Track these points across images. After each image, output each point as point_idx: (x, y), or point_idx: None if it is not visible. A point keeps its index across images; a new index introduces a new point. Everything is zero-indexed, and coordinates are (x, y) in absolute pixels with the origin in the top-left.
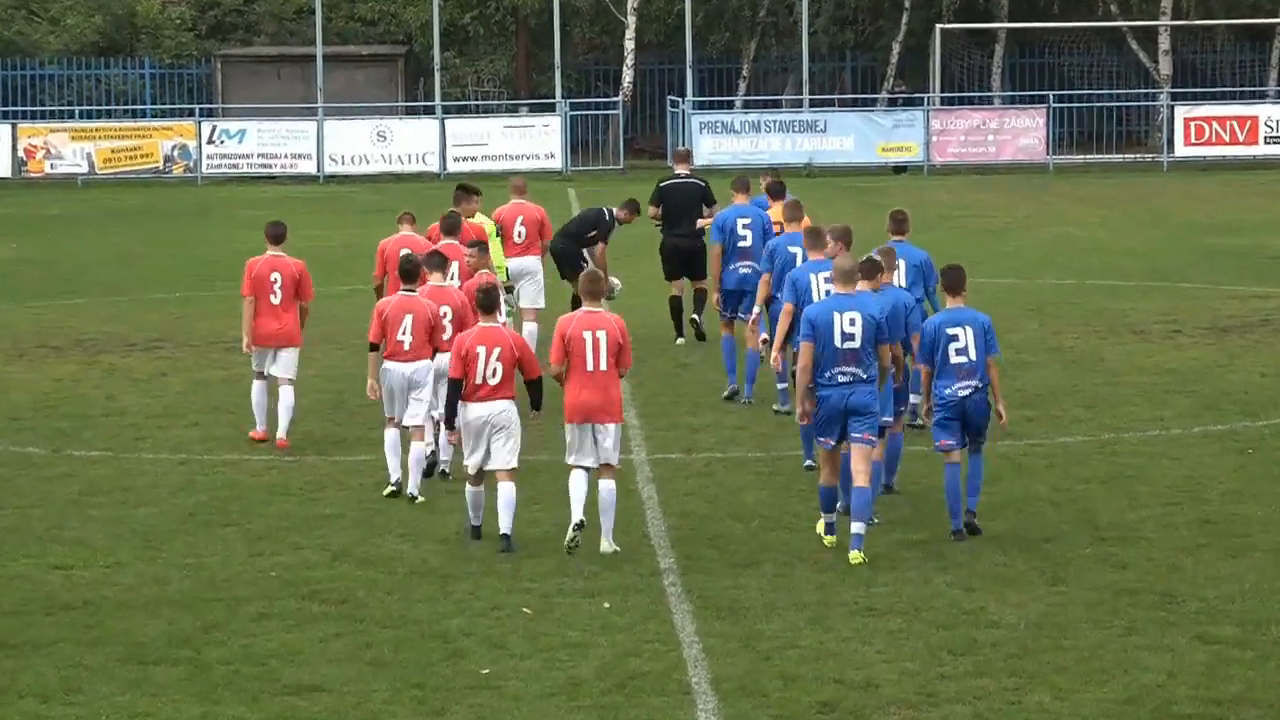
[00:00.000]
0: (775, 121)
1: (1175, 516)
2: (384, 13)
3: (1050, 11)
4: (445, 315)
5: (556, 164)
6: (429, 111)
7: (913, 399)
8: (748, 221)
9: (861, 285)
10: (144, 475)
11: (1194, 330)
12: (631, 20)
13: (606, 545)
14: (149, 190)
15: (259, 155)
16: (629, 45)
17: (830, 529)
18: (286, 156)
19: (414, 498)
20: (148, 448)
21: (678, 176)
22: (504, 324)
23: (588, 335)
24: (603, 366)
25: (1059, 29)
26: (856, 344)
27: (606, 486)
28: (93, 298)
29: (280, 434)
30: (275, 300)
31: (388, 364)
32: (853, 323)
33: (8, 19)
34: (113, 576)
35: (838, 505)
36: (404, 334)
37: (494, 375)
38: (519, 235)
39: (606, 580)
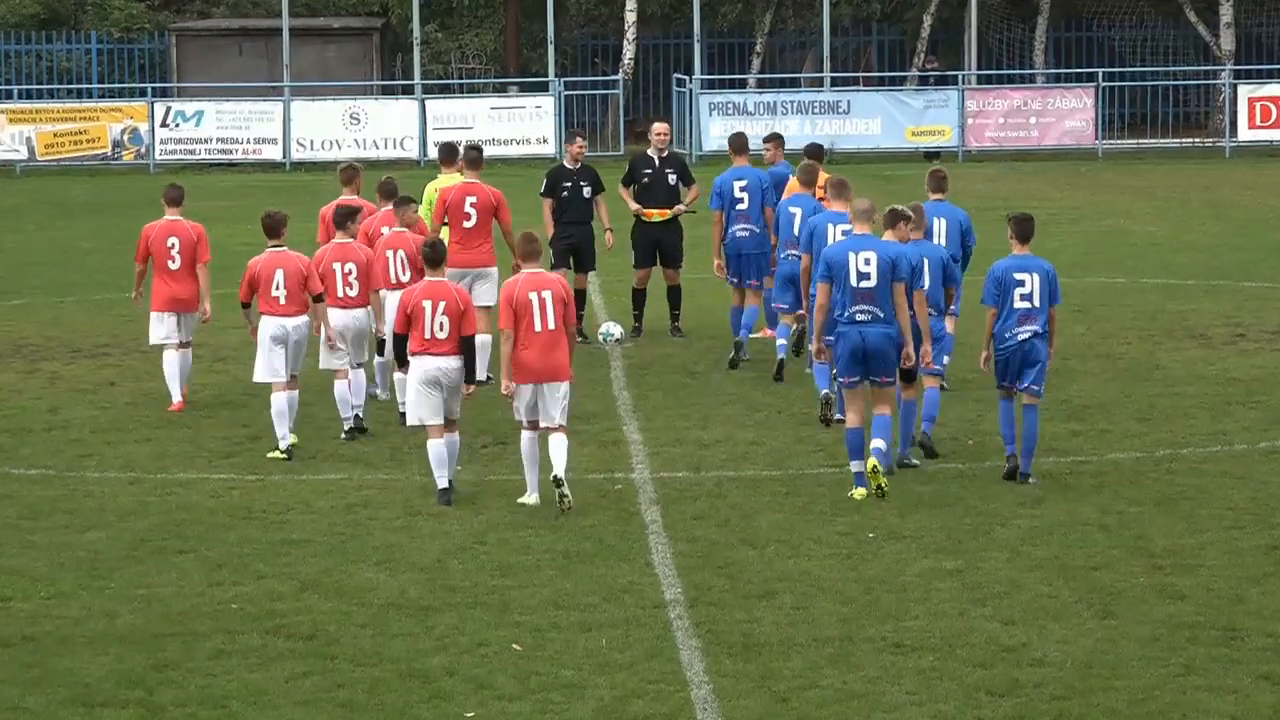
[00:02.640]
0: (793, 102)
1: (1239, 542)
2: None
3: None
4: (350, 272)
5: (550, 149)
6: (408, 91)
7: (945, 360)
8: (744, 184)
9: (888, 235)
10: (90, 496)
11: (1259, 335)
12: None
13: (559, 471)
14: (96, 179)
15: (218, 140)
16: (630, 18)
17: (859, 479)
18: (249, 141)
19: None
20: (94, 466)
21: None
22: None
23: (534, 296)
24: (550, 326)
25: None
26: (872, 283)
27: (558, 438)
28: (33, 299)
29: (177, 397)
30: (174, 266)
31: (265, 319)
32: (868, 262)
33: None
34: (55, 609)
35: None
36: (277, 289)
37: (441, 330)
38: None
39: (605, 613)
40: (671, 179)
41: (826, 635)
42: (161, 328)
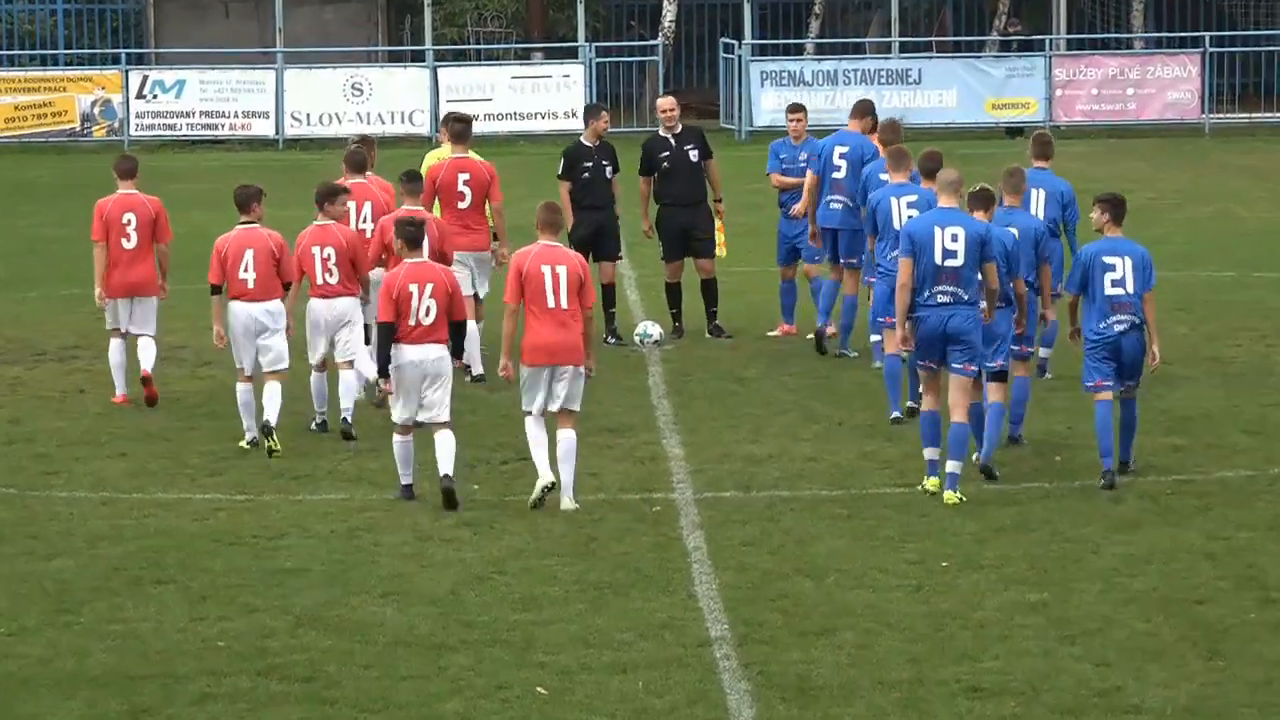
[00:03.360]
0: (856, 71)
1: None
2: None
3: None
4: (330, 257)
5: (578, 124)
6: (417, 59)
7: (1043, 352)
8: (844, 150)
9: (978, 216)
10: (56, 519)
11: None
12: None
13: (567, 502)
14: (63, 158)
15: (202, 113)
16: None
17: (932, 468)
18: (237, 115)
19: (271, 450)
20: (61, 484)
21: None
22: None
23: (546, 270)
24: (564, 304)
25: None
26: (959, 261)
27: (566, 436)
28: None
29: (145, 369)
30: (130, 245)
31: (234, 305)
32: (955, 239)
33: None
34: (17, 647)
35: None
36: (246, 271)
37: (428, 315)
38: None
39: (641, 651)
40: (694, 155)
41: (893, 678)
42: (112, 315)
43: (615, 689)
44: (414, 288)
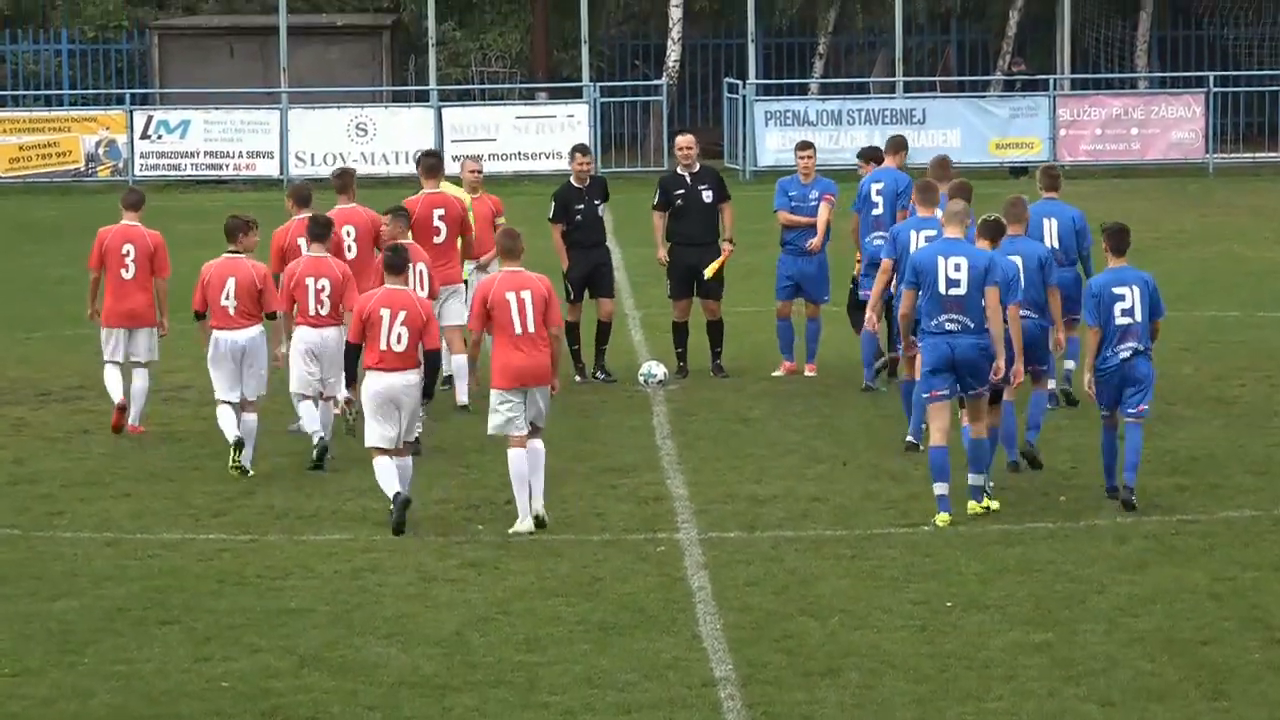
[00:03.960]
0: (861, 111)
1: None
2: None
3: None
4: (324, 289)
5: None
6: (421, 98)
7: (1050, 383)
8: (880, 186)
9: (982, 245)
10: (61, 559)
11: None
12: None
13: (538, 507)
14: (67, 198)
15: (206, 154)
16: (675, 14)
17: (943, 504)
18: (241, 155)
19: (238, 467)
20: (66, 525)
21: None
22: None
23: (511, 296)
24: (530, 329)
25: None
26: (962, 291)
27: (535, 445)
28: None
29: (133, 419)
30: (128, 275)
31: (217, 334)
32: (958, 268)
33: None
34: (21, 688)
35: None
36: (227, 299)
37: (399, 341)
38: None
39: (646, 692)
40: (707, 196)
41: (898, 718)
42: (108, 345)
43: None
44: (385, 312)
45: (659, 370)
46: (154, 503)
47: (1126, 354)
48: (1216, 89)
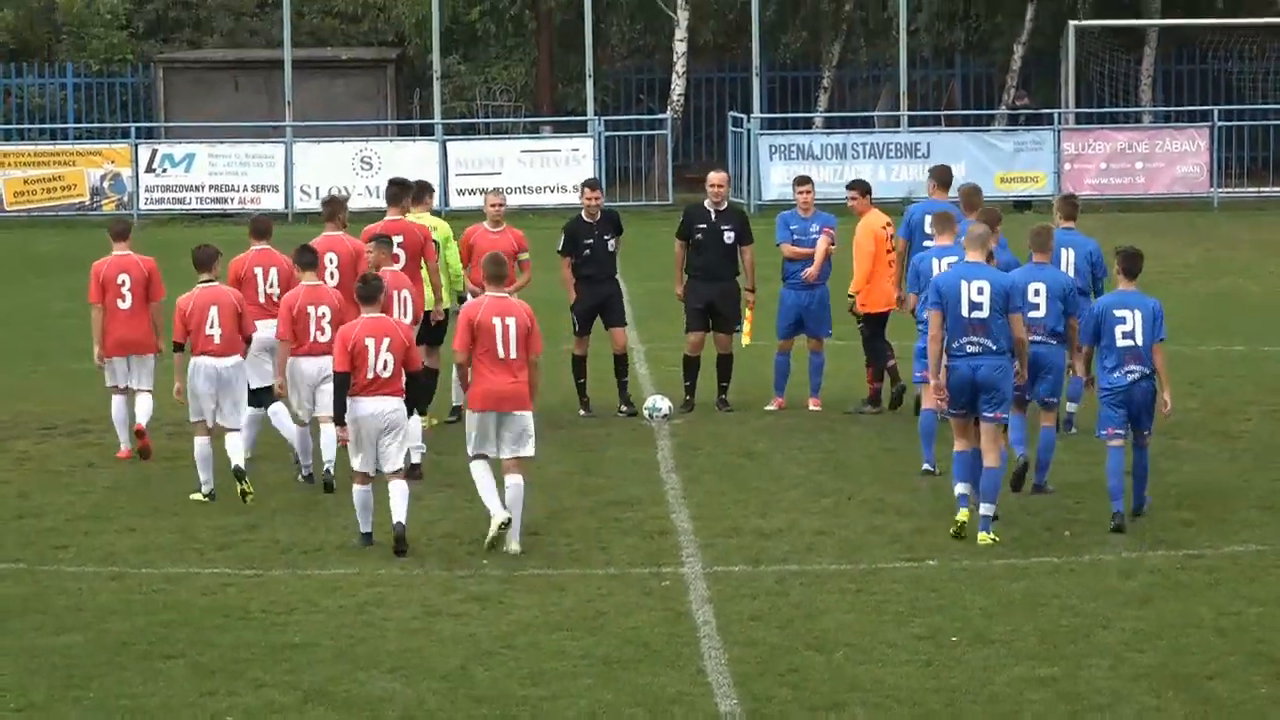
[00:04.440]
0: (865, 145)
1: None
2: (369, 7)
3: (1214, 6)
4: (324, 316)
5: None
6: (426, 131)
7: (1070, 406)
8: (981, 286)
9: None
10: (65, 594)
11: None
12: (683, 16)
13: (514, 545)
14: (72, 232)
15: (211, 187)
16: (679, 49)
17: (963, 501)
18: (246, 189)
19: (245, 494)
20: (70, 559)
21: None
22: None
23: (497, 321)
24: (513, 354)
25: (1225, 27)
26: (984, 313)
27: (515, 481)
28: None
29: (140, 422)
30: (125, 305)
31: (197, 360)
32: (980, 291)
33: None
34: None
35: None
36: (212, 327)
37: (385, 368)
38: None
39: None
40: (728, 237)
41: None
42: (111, 374)
43: None
44: (370, 341)
45: (663, 404)
46: (158, 537)
47: (1133, 377)
48: (1221, 123)
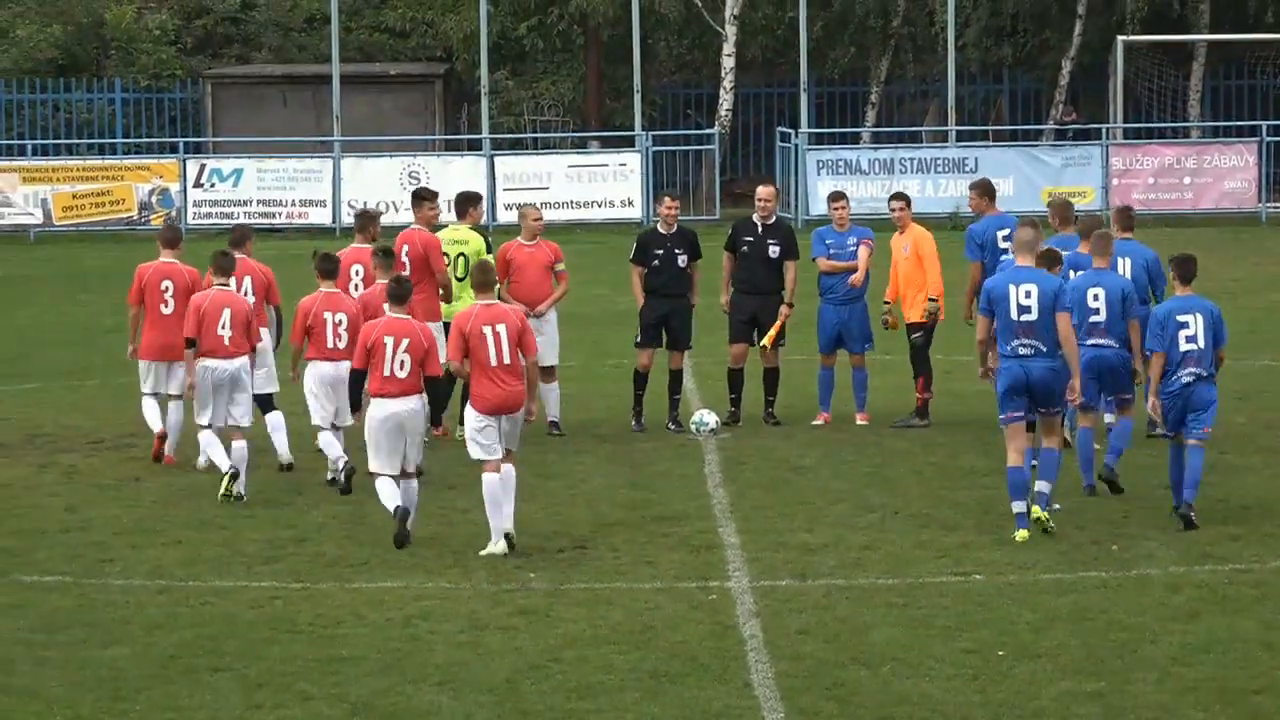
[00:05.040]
0: (913, 160)
1: None
2: (417, 22)
3: (1263, 20)
4: (341, 323)
5: (636, 213)
6: (474, 146)
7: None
8: (1006, 233)
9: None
10: (112, 607)
11: None
12: (731, 32)
13: (508, 526)
14: (121, 246)
15: (259, 202)
16: (727, 64)
17: (1021, 521)
18: (294, 203)
19: (230, 494)
20: (117, 572)
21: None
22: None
23: (487, 330)
24: (506, 360)
25: (1274, 42)
26: (1033, 316)
27: (508, 469)
28: (48, 382)
29: (168, 450)
30: (167, 310)
31: (205, 361)
32: (1028, 295)
33: None
34: None
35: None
36: (223, 329)
37: (401, 368)
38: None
39: None
40: (773, 251)
41: None
42: (147, 379)
43: None
44: (389, 340)
45: (710, 419)
46: (206, 550)
47: (1189, 379)
48: (1270, 138)
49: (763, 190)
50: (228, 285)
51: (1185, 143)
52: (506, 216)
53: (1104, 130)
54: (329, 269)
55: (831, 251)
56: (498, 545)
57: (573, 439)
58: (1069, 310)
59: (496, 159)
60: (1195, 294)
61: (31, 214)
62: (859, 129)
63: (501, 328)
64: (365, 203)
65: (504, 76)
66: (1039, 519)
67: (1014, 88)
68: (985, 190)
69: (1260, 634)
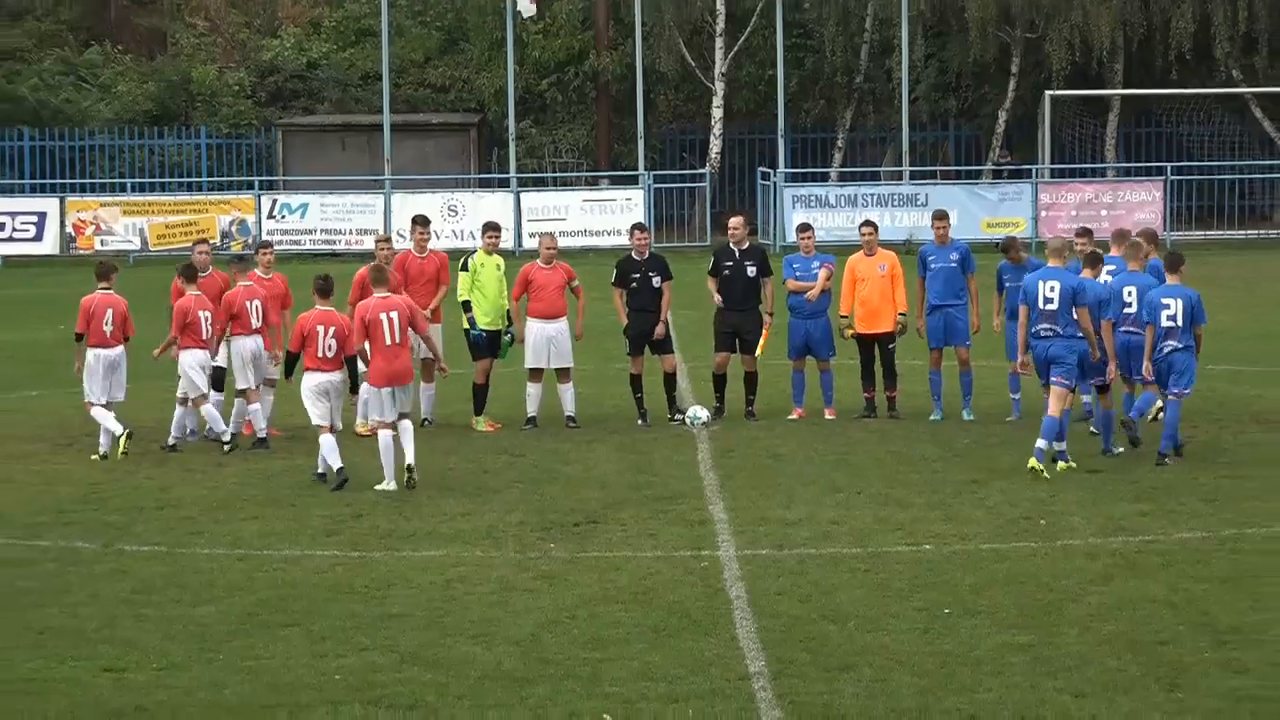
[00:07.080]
0: (873, 195)
1: None
2: (455, 79)
3: (1168, 77)
4: (332, 335)
5: None
6: (503, 184)
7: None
8: (1054, 285)
9: (1086, 274)
10: (200, 572)
11: None
12: (719, 87)
13: (409, 459)
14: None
15: (322, 231)
16: (716, 113)
17: (1038, 454)
18: (351, 232)
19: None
20: (204, 542)
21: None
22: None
23: (384, 316)
24: (397, 340)
25: (1177, 96)
26: (1054, 305)
27: (405, 424)
28: (144, 382)
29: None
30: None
31: (95, 350)
32: (1052, 289)
33: (56, 86)
34: (166, 679)
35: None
36: (107, 324)
37: (330, 350)
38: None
39: (693, 684)
40: (750, 271)
41: (904, 707)
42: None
43: (670, 716)
44: (320, 329)
45: (703, 413)
46: (278, 524)
47: (1168, 350)
48: (1174, 177)
49: (733, 220)
50: (109, 289)
51: (1102, 181)
52: (530, 243)
53: (1034, 170)
54: (323, 289)
55: (799, 274)
56: (389, 484)
57: (587, 431)
58: (1088, 306)
59: (522, 194)
60: (1179, 283)
61: (130, 241)
62: (828, 169)
63: (394, 314)
64: (435, 234)
65: (529, 125)
66: (1033, 468)
67: (958, 134)
68: (941, 217)
69: (1165, 595)
